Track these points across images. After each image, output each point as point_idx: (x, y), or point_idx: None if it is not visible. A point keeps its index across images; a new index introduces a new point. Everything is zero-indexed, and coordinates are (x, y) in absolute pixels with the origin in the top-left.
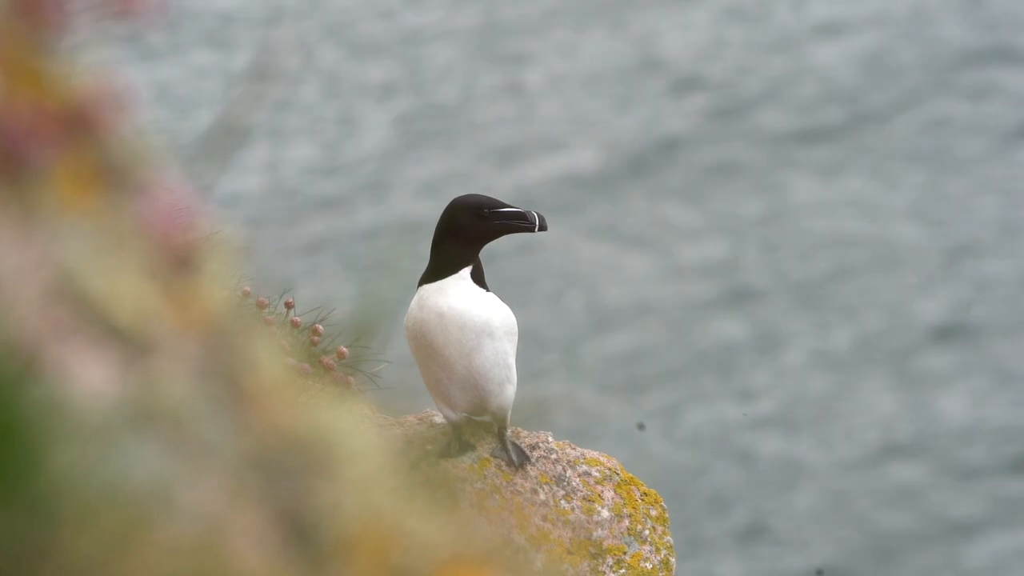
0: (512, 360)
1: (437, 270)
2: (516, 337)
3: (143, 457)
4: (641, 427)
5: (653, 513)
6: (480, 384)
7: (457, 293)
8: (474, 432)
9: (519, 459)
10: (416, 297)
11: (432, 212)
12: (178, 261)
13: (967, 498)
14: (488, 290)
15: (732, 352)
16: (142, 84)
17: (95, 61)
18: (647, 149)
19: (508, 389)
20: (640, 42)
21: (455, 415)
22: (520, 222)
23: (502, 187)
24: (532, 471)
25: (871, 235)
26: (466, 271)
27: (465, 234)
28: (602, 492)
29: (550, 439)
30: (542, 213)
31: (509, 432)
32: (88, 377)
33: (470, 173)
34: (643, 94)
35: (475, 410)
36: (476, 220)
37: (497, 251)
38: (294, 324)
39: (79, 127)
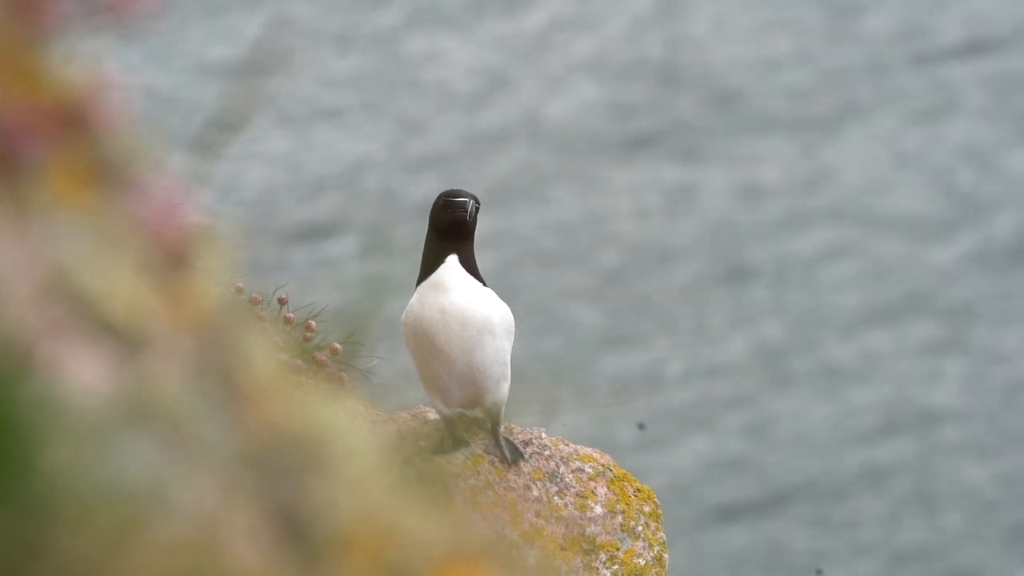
0: (508, 358)
1: (426, 266)
2: (513, 335)
3: (138, 454)
4: (641, 427)
5: (646, 509)
6: (479, 380)
7: (457, 288)
8: (468, 428)
9: (513, 455)
10: (416, 295)
11: None
12: (172, 257)
13: None
14: (485, 283)
15: None
16: (136, 79)
17: (89, 57)
18: None
19: (503, 386)
20: None
21: (448, 410)
22: (458, 209)
23: None
24: (525, 467)
25: None
26: (452, 259)
27: (436, 226)
28: (595, 488)
29: (543, 435)
30: (478, 203)
31: (503, 428)
32: (83, 374)
33: None
34: None
35: (469, 405)
36: (441, 211)
37: None
38: (287, 320)
39: (74, 124)
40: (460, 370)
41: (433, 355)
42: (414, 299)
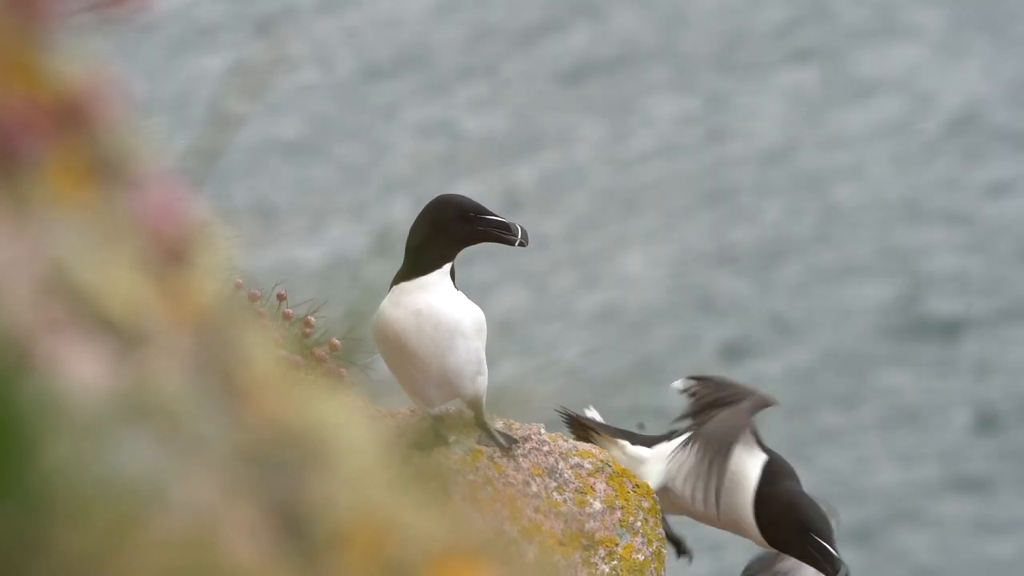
0: (483, 354)
1: (417, 267)
2: (485, 332)
3: (136, 451)
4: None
5: (645, 505)
6: (453, 381)
7: (437, 290)
8: (464, 429)
9: (507, 442)
10: (390, 295)
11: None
12: (171, 254)
13: None
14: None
15: None
16: (135, 74)
17: (88, 54)
18: None
19: (480, 380)
20: None
21: (433, 410)
22: (503, 232)
23: None
24: (524, 463)
25: None
26: (447, 268)
27: (447, 234)
28: (594, 484)
29: (542, 431)
30: (526, 228)
31: (500, 424)
32: (80, 371)
33: None
34: None
35: (449, 399)
36: (460, 222)
37: None
38: (286, 316)
39: (72, 120)
40: (435, 373)
41: (406, 359)
42: (387, 301)
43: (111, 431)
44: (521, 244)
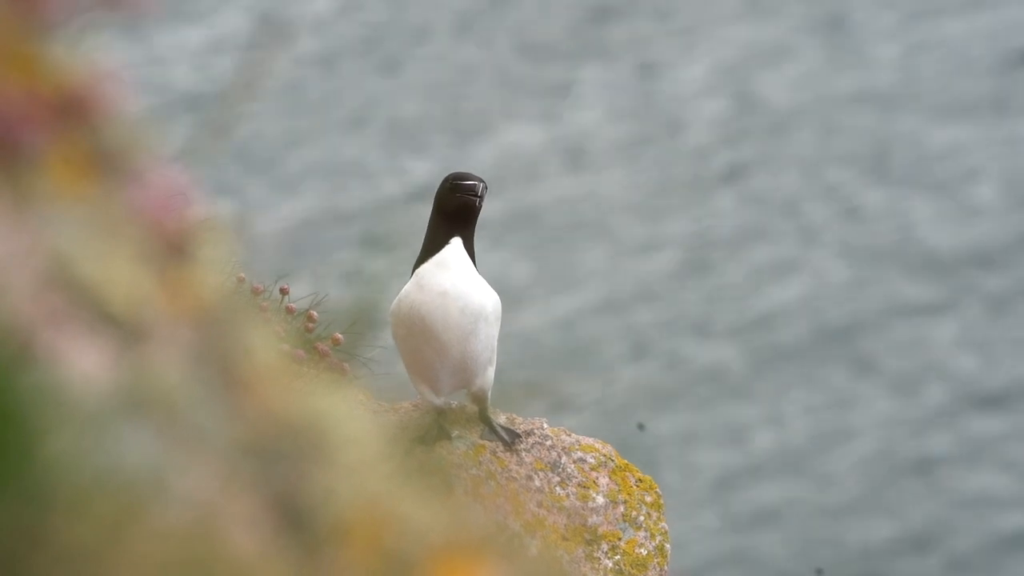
0: (496, 343)
1: (431, 247)
2: (500, 321)
3: (137, 443)
4: (641, 427)
5: (648, 499)
6: (469, 367)
7: (458, 268)
8: (468, 422)
9: (511, 437)
10: (414, 279)
11: None
12: (172, 247)
13: None
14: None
15: None
16: (136, 68)
17: (89, 47)
18: None
19: (490, 371)
20: None
21: (438, 400)
22: (470, 195)
23: None
24: (527, 457)
25: None
26: (456, 241)
27: (446, 209)
28: (597, 478)
29: (545, 425)
30: (486, 185)
31: (503, 419)
32: (82, 363)
33: None
34: None
35: (457, 390)
36: (449, 194)
37: None
38: (289, 310)
39: (73, 113)
40: (454, 358)
41: (428, 343)
42: (410, 285)
43: (112, 423)
44: (480, 199)
